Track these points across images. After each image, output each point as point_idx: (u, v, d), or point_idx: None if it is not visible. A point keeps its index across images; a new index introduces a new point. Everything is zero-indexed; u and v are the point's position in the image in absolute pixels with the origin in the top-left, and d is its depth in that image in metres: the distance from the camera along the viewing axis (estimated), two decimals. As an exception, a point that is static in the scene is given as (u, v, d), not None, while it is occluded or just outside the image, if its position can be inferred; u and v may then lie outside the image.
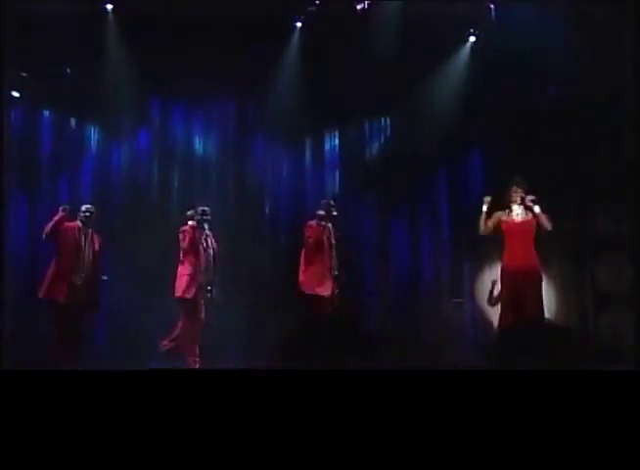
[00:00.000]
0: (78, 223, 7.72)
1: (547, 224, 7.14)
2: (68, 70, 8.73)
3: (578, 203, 8.33)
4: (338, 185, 9.13)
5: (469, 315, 8.69)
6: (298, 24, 8.82)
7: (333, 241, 7.72)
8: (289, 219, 9.00)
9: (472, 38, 8.83)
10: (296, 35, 8.84)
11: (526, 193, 7.19)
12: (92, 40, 8.39)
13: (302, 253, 7.73)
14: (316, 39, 8.67)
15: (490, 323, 8.16)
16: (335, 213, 7.75)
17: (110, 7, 8.45)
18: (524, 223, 7.16)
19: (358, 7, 8.59)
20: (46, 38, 8.20)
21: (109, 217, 7.98)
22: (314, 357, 4.23)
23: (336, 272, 7.61)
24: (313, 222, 7.80)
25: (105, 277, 7.70)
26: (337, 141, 9.36)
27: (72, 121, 9.09)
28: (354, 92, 8.71)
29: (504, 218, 7.21)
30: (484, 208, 7.25)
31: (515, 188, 7.23)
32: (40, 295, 7.56)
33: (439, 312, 8.80)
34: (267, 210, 9.25)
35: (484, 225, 7.27)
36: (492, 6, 8.57)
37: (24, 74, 8.59)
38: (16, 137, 8.51)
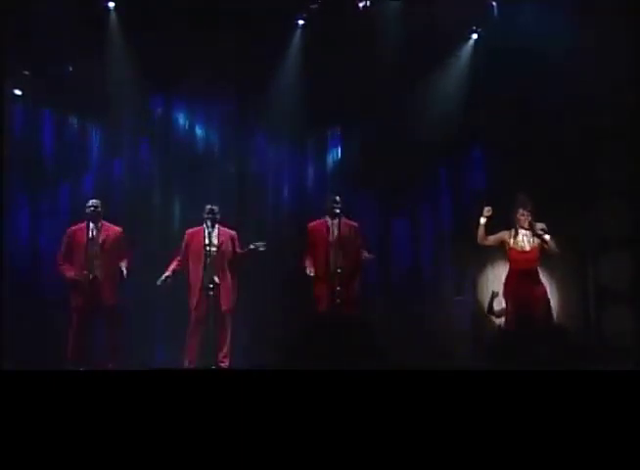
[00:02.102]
0: (87, 223, 7.71)
1: (557, 251, 7.14)
2: (71, 69, 8.73)
3: (579, 201, 8.33)
4: (339, 183, 9.11)
5: (471, 314, 8.69)
6: (301, 22, 8.83)
7: (335, 238, 7.70)
8: (291, 218, 8.99)
9: (474, 36, 8.84)
10: (298, 33, 8.85)
11: (533, 213, 7.12)
12: (94, 38, 8.39)
13: (306, 254, 7.73)
14: (318, 37, 8.67)
15: (492, 322, 8.16)
16: (338, 211, 7.73)
17: (112, 5, 8.48)
18: (532, 251, 7.12)
19: (360, 4, 8.59)
20: (48, 36, 8.20)
21: (111, 216, 7.96)
22: (315, 358, 4.23)
23: (338, 270, 7.60)
24: (312, 224, 7.81)
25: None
26: (339, 139, 9.34)
27: (74, 119, 9.07)
28: (357, 89, 8.69)
29: (511, 245, 7.15)
30: (482, 220, 7.20)
31: (522, 211, 7.14)
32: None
33: (442, 311, 8.80)
34: (269, 208, 9.25)
35: (484, 238, 7.23)
36: (495, 3, 8.58)
37: (27, 73, 8.60)
38: (17, 135, 8.52)
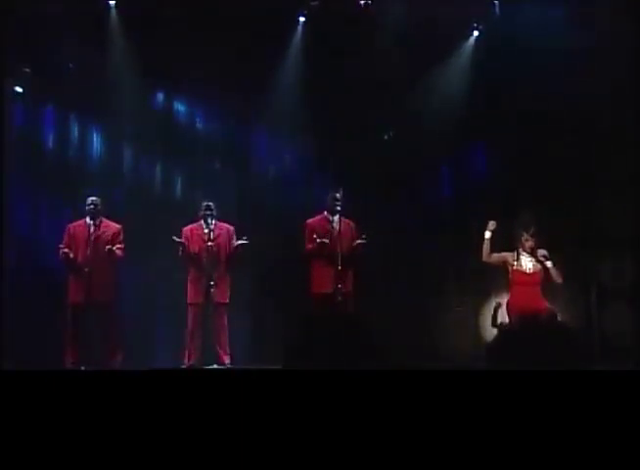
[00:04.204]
0: (86, 219, 7.74)
1: (558, 279, 7.07)
2: (71, 66, 8.73)
3: (580, 201, 8.33)
4: (340, 181, 9.08)
5: (472, 314, 8.68)
6: (302, 19, 8.82)
7: (336, 235, 7.70)
8: (291, 216, 8.97)
9: (475, 33, 8.83)
10: (299, 30, 8.84)
11: (536, 236, 7.07)
12: (95, 36, 8.41)
13: (308, 253, 7.73)
14: (320, 34, 8.66)
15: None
16: (339, 208, 7.74)
17: (112, 3, 8.49)
18: (534, 275, 7.07)
19: (362, 2, 8.58)
20: (49, 34, 8.22)
21: (110, 213, 7.97)
22: (315, 358, 4.23)
23: (339, 267, 7.61)
24: (311, 220, 7.82)
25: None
26: (340, 137, 9.30)
27: (75, 116, 9.08)
28: (357, 87, 8.69)
29: (515, 267, 7.09)
30: (487, 235, 7.15)
31: (526, 236, 7.08)
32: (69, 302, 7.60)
33: (442, 311, 8.80)
34: (269, 206, 9.24)
35: (488, 256, 7.17)
36: (496, 1, 8.57)
37: (27, 70, 8.61)
38: (18, 132, 8.53)
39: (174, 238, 7.59)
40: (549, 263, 7.02)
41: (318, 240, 7.60)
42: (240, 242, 7.69)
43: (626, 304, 8.02)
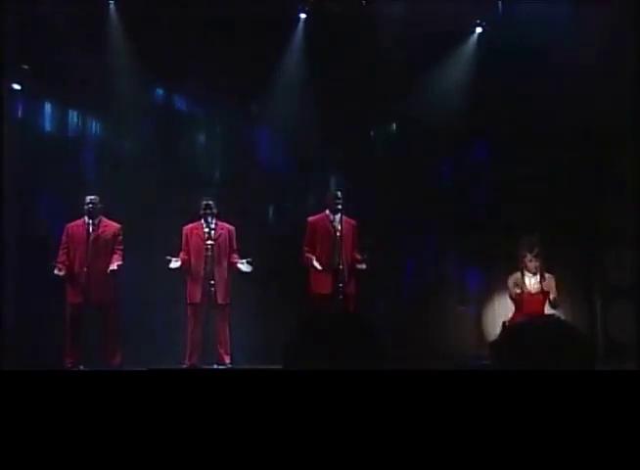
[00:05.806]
0: (85, 218, 7.72)
1: (555, 301, 7.11)
2: (71, 63, 8.72)
3: (582, 200, 8.32)
4: (341, 181, 9.10)
5: (474, 314, 8.68)
6: (303, 16, 8.82)
7: (337, 234, 7.70)
8: (292, 215, 8.98)
9: (478, 29, 8.83)
10: (300, 26, 8.84)
11: (540, 257, 7.07)
12: (95, 33, 8.43)
13: (306, 250, 7.73)
14: (321, 31, 8.66)
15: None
16: (339, 207, 7.73)
17: (112, 2, 8.52)
18: (539, 295, 7.09)
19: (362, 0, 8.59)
20: (49, 31, 8.23)
21: (110, 212, 7.96)
22: (316, 357, 4.23)
23: (340, 266, 7.61)
24: (312, 218, 7.81)
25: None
26: (341, 135, 9.30)
27: (75, 114, 9.09)
28: (358, 85, 8.68)
29: (518, 290, 7.10)
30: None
31: (529, 257, 7.10)
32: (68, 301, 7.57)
33: (443, 311, 8.80)
34: (270, 205, 9.24)
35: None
36: (499, 1, 8.57)
37: (27, 67, 8.61)
38: (18, 129, 8.53)
39: (170, 265, 7.53)
40: (552, 296, 7.07)
41: (314, 263, 7.58)
42: (243, 266, 7.66)
43: (629, 304, 8.02)
